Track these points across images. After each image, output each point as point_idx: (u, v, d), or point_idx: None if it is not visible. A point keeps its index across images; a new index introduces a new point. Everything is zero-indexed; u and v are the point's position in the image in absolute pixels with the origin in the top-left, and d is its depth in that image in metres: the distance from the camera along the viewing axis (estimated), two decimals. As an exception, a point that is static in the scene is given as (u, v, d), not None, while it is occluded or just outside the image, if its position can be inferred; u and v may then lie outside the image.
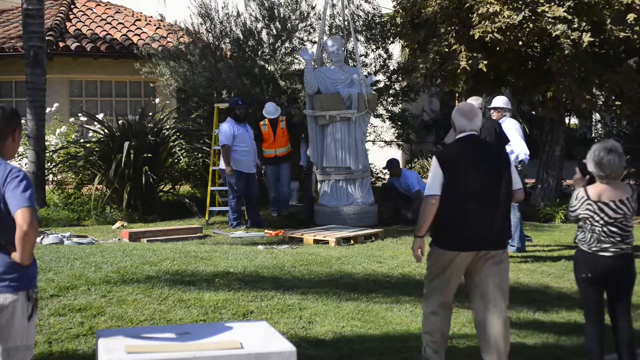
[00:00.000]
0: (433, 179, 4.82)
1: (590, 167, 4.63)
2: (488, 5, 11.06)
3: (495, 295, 4.73)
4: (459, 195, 4.77)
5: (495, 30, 11.05)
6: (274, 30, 14.04)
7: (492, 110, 9.33)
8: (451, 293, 4.86)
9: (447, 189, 4.79)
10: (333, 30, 14.21)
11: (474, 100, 8.33)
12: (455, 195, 4.77)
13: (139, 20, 18.68)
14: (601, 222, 4.59)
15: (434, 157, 4.95)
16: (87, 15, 18.39)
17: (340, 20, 14.02)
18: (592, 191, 4.64)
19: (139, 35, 17.21)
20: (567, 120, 19.03)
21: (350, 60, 13.37)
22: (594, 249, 4.63)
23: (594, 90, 12.84)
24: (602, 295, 4.73)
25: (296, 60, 14.13)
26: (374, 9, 14.58)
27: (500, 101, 9.34)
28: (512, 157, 8.95)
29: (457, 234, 4.76)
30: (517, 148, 9.06)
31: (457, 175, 4.80)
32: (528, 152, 9.08)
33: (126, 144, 11.76)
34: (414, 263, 8.08)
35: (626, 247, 4.64)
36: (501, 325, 4.69)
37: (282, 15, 14.00)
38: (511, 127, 9.02)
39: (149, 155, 11.96)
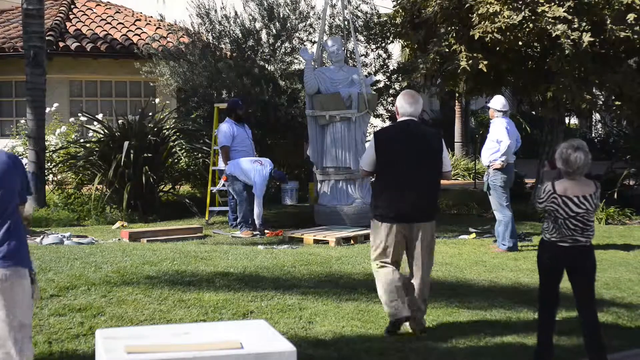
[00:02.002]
0: (367, 156, 5.69)
1: (558, 164, 4.93)
2: (488, 6, 11.05)
3: (421, 255, 5.54)
4: (393, 173, 5.49)
5: (495, 30, 11.05)
6: (274, 30, 14.04)
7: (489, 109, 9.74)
8: (395, 257, 5.56)
9: (383, 167, 5.55)
10: (333, 30, 14.21)
11: None
12: (389, 173, 5.52)
13: (139, 20, 18.68)
14: (564, 215, 4.87)
15: (371, 137, 5.71)
16: (87, 15, 18.39)
17: (340, 20, 14.02)
18: (558, 186, 4.92)
19: (139, 35, 17.21)
20: (567, 120, 19.02)
21: (350, 60, 13.37)
22: (553, 239, 4.93)
23: (594, 90, 12.83)
24: (557, 286, 5.03)
25: (296, 60, 14.13)
26: (371, 9, 14.59)
27: (495, 102, 9.67)
28: (496, 156, 9.29)
29: (391, 208, 5.48)
30: (484, 154, 9.53)
31: (391, 155, 5.51)
32: (492, 160, 9.37)
33: (126, 144, 11.76)
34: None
35: (585, 240, 4.91)
36: (422, 276, 5.58)
37: (281, 15, 14.00)
38: (497, 128, 9.38)
39: (149, 155, 11.96)
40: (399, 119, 5.68)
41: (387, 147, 5.54)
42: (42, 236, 9.38)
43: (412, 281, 5.62)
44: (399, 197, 5.47)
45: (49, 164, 13.18)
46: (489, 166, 9.40)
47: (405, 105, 5.63)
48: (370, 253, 5.75)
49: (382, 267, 5.59)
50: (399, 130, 5.64)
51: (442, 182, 5.93)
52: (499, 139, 9.29)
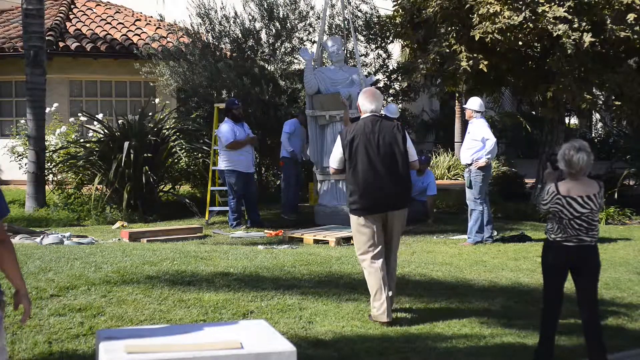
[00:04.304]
0: (334, 154, 6.08)
1: (561, 165, 4.96)
2: (488, 6, 11.04)
3: (394, 241, 6.07)
4: (361, 168, 5.85)
5: (496, 30, 11.04)
6: (274, 30, 14.05)
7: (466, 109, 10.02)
8: (378, 246, 5.91)
9: (353, 163, 5.90)
10: (333, 30, 14.21)
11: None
12: (358, 169, 5.87)
13: (139, 20, 18.69)
14: (569, 215, 4.89)
15: (338, 136, 6.10)
16: (87, 15, 18.39)
17: (340, 20, 14.03)
18: (562, 187, 4.95)
19: (139, 35, 17.22)
20: (567, 120, 19.01)
21: (350, 60, 13.37)
22: (558, 239, 4.94)
23: (594, 90, 12.83)
24: (562, 287, 5.06)
25: (296, 60, 14.14)
26: (371, 9, 14.59)
27: (472, 103, 9.90)
28: (481, 154, 9.65)
29: (364, 201, 5.86)
30: (464, 153, 9.90)
31: (357, 151, 5.87)
32: (476, 158, 9.73)
33: (126, 144, 11.76)
34: (413, 263, 8.10)
35: (590, 239, 4.93)
36: (392, 260, 6.05)
37: (281, 15, 14.00)
38: (479, 127, 9.68)
39: (149, 155, 11.96)
40: (362, 116, 6.07)
41: (352, 144, 5.89)
42: (42, 236, 9.37)
43: (388, 263, 6.02)
44: (370, 190, 5.85)
45: (49, 164, 13.18)
46: (470, 164, 9.72)
47: (366, 103, 6.03)
48: (355, 249, 6.09)
49: (370, 264, 5.89)
50: (362, 127, 5.95)
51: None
52: (485, 137, 9.62)
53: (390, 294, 5.90)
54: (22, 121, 13.99)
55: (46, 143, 13.06)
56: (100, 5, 19.39)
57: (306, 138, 12.28)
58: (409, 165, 6.03)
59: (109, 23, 17.95)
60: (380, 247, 5.91)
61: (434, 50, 12.01)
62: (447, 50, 11.94)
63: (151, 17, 18.36)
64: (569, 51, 10.84)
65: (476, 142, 9.68)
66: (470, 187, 9.78)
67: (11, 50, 15.94)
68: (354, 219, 5.96)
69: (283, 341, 3.52)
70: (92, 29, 17.24)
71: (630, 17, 10.86)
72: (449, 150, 20.32)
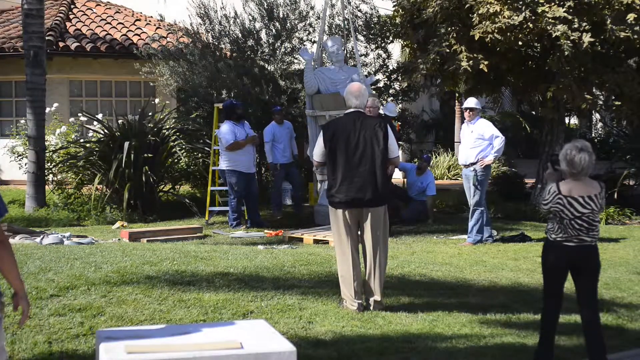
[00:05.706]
0: (317, 147, 6.16)
1: (563, 165, 4.95)
2: (488, 6, 11.05)
3: (372, 238, 6.02)
4: (341, 162, 5.94)
5: (496, 30, 11.05)
6: (273, 30, 14.04)
7: (465, 111, 9.96)
8: (353, 239, 6.06)
9: (333, 156, 5.98)
10: (333, 30, 14.21)
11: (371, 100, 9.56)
12: (337, 162, 5.96)
13: (139, 20, 18.69)
14: (570, 215, 4.89)
15: (321, 130, 6.18)
16: (87, 15, 18.40)
17: (340, 20, 14.02)
18: (563, 187, 4.95)
19: (139, 35, 17.22)
20: (567, 120, 19.01)
21: (350, 60, 13.37)
22: (558, 239, 4.95)
23: (594, 90, 12.83)
24: (562, 287, 5.07)
25: (296, 60, 14.12)
26: (371, 9, 14.59)
27: (472, 102, 9.92)
28: (488, 152, 9.67)
29: (342, 195, 5.96)
30: (469, 152, 9.80)
31: (339, 145, 5.95)
32: (483, 156, 9.71)
33: (126, 144, 11.76)
34: (413, 263, 8.09)
35: (590, 240, 4.94)
36: (375, 258, 6.06)
37: (281, 15, 14.00)
38: (485, 126, 9.72)
39: (149, 155, 11.96)
40: (345, 112, 6.18)
41: (333, 138, 5.98)
42: (42, 236, 9.37)
43: (365, 263, 6.12)
44: (348, 184, 5.94)
45: (49, 164, 13.18)
46: (474, 163, 9.64)
47: (351, 98, 6.10)
48: (333, 238, 6.29)
49: (342, 255, 6.08)
50: (345, 122, 6.06)
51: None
52: (495, 135, 9.61)
53: (375, 286, 6.07)
54: (22, 121, 13.99)
55: (46, 143, 13.06)
56: (100, 5, 19.39)
57: (292, 132, 12.30)
58: (388, 163, 6.10)
59: (109, 23, 17.95)
60: (353, 240, 6.06)
61: (434, 50, 12.01)
62: (447, 50, 11.94)
63: (151, 17, 18.35)
64: (567, 53, 10.85)
65: (482, 140, 9.61)
66: (476, 186, 9.69)
67: (11, 50, 15.94)
68: (330, 210, 6.14)
69: (283, 341, 3.52)
70: (92, 29, 17.24)
71: (630, 17, 10.86)
72: (449, 150, 20.32)
